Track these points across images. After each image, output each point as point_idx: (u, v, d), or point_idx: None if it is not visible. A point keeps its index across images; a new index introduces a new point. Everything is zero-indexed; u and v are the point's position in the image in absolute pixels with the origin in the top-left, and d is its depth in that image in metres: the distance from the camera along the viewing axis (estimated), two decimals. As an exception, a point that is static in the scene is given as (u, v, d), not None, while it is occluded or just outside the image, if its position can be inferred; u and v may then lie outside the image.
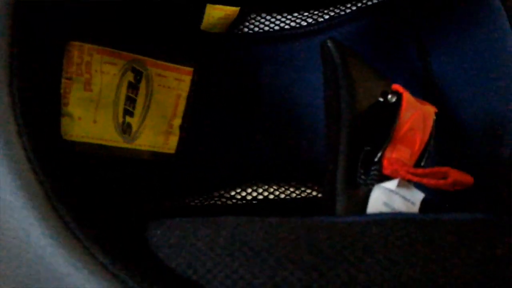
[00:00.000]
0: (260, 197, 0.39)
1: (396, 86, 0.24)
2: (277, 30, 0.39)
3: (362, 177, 0.24)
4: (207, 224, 0.19)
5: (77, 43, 0.28)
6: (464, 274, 0.16)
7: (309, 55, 0.38)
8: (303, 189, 0.40)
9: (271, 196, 0.39)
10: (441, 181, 0.21)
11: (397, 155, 0.24)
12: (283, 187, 0.40)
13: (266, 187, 0.39)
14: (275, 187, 0.39)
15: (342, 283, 0.16)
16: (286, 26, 0.39)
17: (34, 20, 0.24)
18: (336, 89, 0.26)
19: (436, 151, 0.32)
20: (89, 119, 0.29)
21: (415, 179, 0.22)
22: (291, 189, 0.40)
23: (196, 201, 0.36)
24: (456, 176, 0.21)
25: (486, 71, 0.31)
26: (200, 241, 0.18)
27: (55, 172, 0.20)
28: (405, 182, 0.24)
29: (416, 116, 0.24)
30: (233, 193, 0.38)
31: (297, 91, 0.38)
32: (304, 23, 0.39)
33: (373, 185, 0.24)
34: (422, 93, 0.35)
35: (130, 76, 0.30)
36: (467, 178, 0.21)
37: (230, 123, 0.37)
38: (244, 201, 0.38)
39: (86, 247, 0.17)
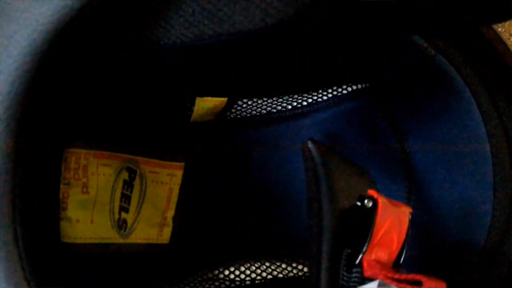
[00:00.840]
0: (253, 275, 0.40)
1: (371, 192, 0.26)
2: (264, 114, 0.41)
3: (345, 279, 0.26)
4: None
5: (73, 149, 0.30)
6: None
7: (294, 136, 0.40)
8: (294, 265, 0.41)
9: (264, 274, 0.40)
10: (416, 288, 0.23)
11: (376, 256, 0.25)
12: (275, 264, 0.41)
13: (259, 264, 0.41)
14: (267, 264, 0.41)
15: None
16: (273, 110, 0.41)
17: (34, 133, 0.26)
18: (317, 190, 0.27)
19: (416, 234, 0.33)
20: (87, 220, 0.30)
21: (393, 284, 0.24)
22: (283, 266, 0.41)
23: (191, 284, 0.37)
24: (429, 284, 0.22)
25: (459, 156, 0.33)
26: None
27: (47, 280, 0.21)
28: (386, 283, 0.25)
29: (392, 220, 0.26)
30: (226, 272, 0.39)
31: (286, 172, 0.40)
32: (289, 107, 0.41)
33: (355, 287, 0.25)
34: (400, 173, 0.37)
35: (125, 175, 0.32)
36: (440, 286, 0.23)
37: (222, 208, 0.38)
38: (238, 281, 0.39)
39: None
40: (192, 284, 0.37)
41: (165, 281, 0.36)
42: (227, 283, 0.38)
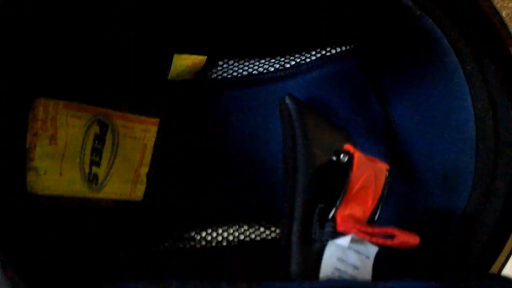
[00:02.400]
0: (230, 238, 0.39)
1: (348, 147, 0.25)
2: (244, 76, 0.40)
3: (317, 233, 0.25)
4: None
5: (42, 99, 0.28)
6: None
7: (275, 100, 0.39)
8: (272, 229, 0.40)
9: (242, 237, 0.40)
10: (389, 241, 0.22)
11: (350, 211, 0.25)
12: (253, 227, 0.40)
13: (237, 227, 0.40)
14: (245, 228, 0.40)
15: None
16: (254, 72, 0.40)
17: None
18: (293, 147, 0.27)
19: (393, 198, 0.33)
20: (55, 172, 0.29)
21: (366, 237, 0.23)
22: (261, 229, 0.40)
23: (166, 244, 0.36)
24: (402, 238, 0.22)
25: (441, 122, 0.32)
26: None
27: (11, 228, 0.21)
28: (359, 237, 0.25)
29: (368, 175, 0.25)
30: (203, 234, 0.38)
31: (265, 135, 0.39)
32: (271, 69, 0.40)
33: (327, 241, 0.25)
34: (382, 138, 0.36)
35: (95, 128, 0.31)
36: (413, 239, 0.22)
37: (197, 169, 0.38)
38: (214, 243, 0.38)
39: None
40: (166, 244, 0.36)
41: (139, 239, 0.35)
42: (203, 243, 0.37)
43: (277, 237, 0.40)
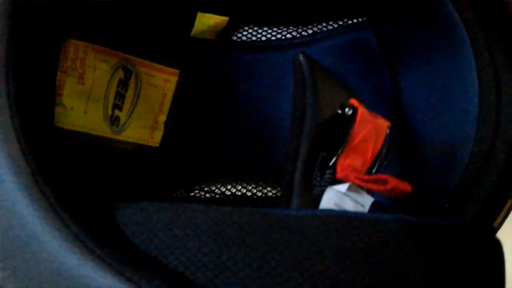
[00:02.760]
0: (238, 193, 0.41)
1: (353, 101, 0.27)
2: (263, 41, 0.42)
3: (318, 179, 0.27)
4: (169, 208, 0.21)
5: (73, 40, 0.31)
6: (380, 270, 0.19)
7: (289, 65, 0.41)
8: (279, 188, 0.42)
9: (249, 194, 0.42)
10: (381, 187, 0.24)
11: (350, 162, 0.27)
12: (261, 186, 0.43)
13: (245, 184, 0.42)
14: (253, 185, 0.42)
15: (276, 262, 0.19)
16: (272, 37, 0.42)
17: (33, 18, 0.27)
18: (302, 99, 0.29)
19: (397, 167, 0.35)
20: (81, 110, 0.32)
21: (362, 184, 0.25)
22: (268, 188, 0.43)
23: (177, 192, 0.39)
24: (394, 184, 0.24)
25: (446, 94, 0.33)
26: (161, 222, 0.21)
27: (41, 153, 0.23)
28: (356, 187, 0.27)
29: (370, 128, 0.27)
30: (213, 188, 0.41)
31: (275, 98, 0.41)
32: (289, 36, 0.42)
33: (326, 187, 0.26)
34: (390, 108, 0.38)
35: (120, 74, 0.33)
36: (405, 186, 0.24)
37: (211, 123, 0.40)
38: (222, 196, 0.40)
39: (61, 217, 0.20)
40: (178, 192, 0.38)
41: (151, 187, 0.37)
42: (212, 195, 0.39)
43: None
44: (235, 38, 0.41)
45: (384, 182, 0.24)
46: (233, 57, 0.41)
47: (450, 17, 0.32)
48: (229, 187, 0.42)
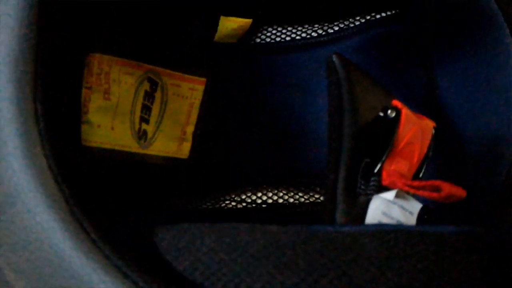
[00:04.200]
0: (270, 201, 0.40)
1: (396, 102, 0.25)
2: (288, 41, 0.40)
3: (362, 187, 0.25)
4: (212, 230, 0.20)
5: (97, 55, 0.30)
6: (445, 284, 0.17)
7: (318, 65, 0.40)
8: (311, 194, 0.41)
9: (280, 200, 0.40)
10: (435, 194, 0.22)
11: (396, 167, 0.25)
12: (292, 192, 0.41)
13: (276, 191, 0.41)
14: (284, 192, 0.41)
15: (334, 286, 0.17)
16: (297, 37, 0.40)
17: (57, 34, 0.26)
18: (339, 103, 0.27)
19: (437, 167, 0.33)
20: (107, 126, 0.31)
21: (412, 191, 0.24)
22: (300, 194, 0.41)
23: (208, 203, 0.38)
24: (449, 190, 0.22)
25: (489, 90, 0.32)
26: (205, 247, 0.19)
27: (73, 178, 0.22)
28: (403, 193, 0.25)
29: (415, 131, 0.25)
30: (244, 196, 0.40)
31: (308, 101, 0.40)
32: (314, 34, 0.40)
33: (372, 195, 0.25)
34: (424, 106, 0.36)
35: (146, 86, 0.32)
36: (460, 192, 0.22)
37: (241, 130, 0.38)
38: (254, 205, 0.39)
39: (101, 249, 0.19)
40: (208, 204, 0.37)
41: (182, 197, 0.36)
42: (244, 204, 0.38)
43: (317, 201, 0.40)
44: (258, 40, 0.40)
45: (438, 188, 0.22)
46: (257, 60, 0.40)
47: (488, 6, 0.30)
48: (259, 194, 0.40)
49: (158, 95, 0.33)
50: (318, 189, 0.41)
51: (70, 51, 0.28)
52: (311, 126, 0.40)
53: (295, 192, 0.41)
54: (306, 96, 0.40)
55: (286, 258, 0.18)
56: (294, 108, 0.40)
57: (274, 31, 0.40)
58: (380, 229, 0.19)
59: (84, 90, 0.30)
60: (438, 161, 0.34)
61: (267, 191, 0.41)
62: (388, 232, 0.19)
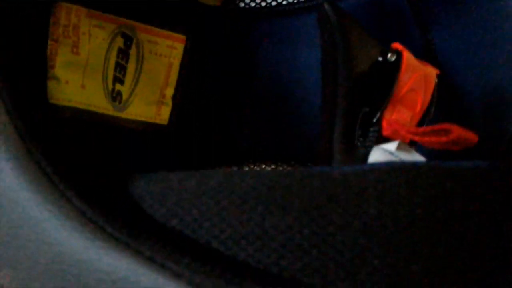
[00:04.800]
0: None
1: (396, 45, 0.23)
2: (273, 6, 0.38)
3: (360, 138, 0.23)
4: (194, 174, 0.17)
5: (64, 4, 0.27)
6: (464, 221, 0.15)
7: (306, 31, 0.37)
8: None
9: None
10: (444, 138, 0.20)
11: (397, 116, 0.23)
12: (281, 167, 0.39)
13: (263, 166, 0.38)
14: (272, 166, 0.38)
15: (335, 228, 0.15)
16: (284, 1, 0.38)
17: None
18: (333, 51, 0.25)
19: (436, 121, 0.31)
20: (77, 83, 0.28)
21: (416, 138, 0.21)
22: (289, 169, 0.38)
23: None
24: (459, 132, 0.20)
25: (490, 44, 0.30)
26: (186, 191, 0.17)
27: (34, 121, 0.19)
28: (406, 145, 0.23)
29: (417, 77, 0.23)
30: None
31: (294, 68, 0.37)
32: (302, -3, 0.38)
33: (371, 147, 0.22)
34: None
35: (119, 42, 0.29)
36: (471, 135, 0.20)
37: (224, 97, 0.36)
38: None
39: (61, 192, 0.16)
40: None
41: (159, 170, 0.33)
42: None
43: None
44: (242, 4, 0.37)
45: (447, 132, 0.20)
46: (242, 25, 0.37)
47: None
48: (246, 169, 0.38)
49: (133, 52, 0.30)
50: (309, 164, 0.38)
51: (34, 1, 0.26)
52: (300, 95, 0.37)
53: (285, 166, 0.38)
54: (294, 66, 0.37)
55: (279, 198, 0.16)
56: (282, 79, 0.37)
57: (259, -6, 0.37)
58: (386, 164, 0.17)
59: (50, 43, 0.27)
60: (440, 118, 0.32)
61: (254, 165, 0.38)
62: (395, 168, 0.16)
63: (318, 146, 0.24)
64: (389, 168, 0.16)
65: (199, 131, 0.34)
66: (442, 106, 0.32)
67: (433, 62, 0.33)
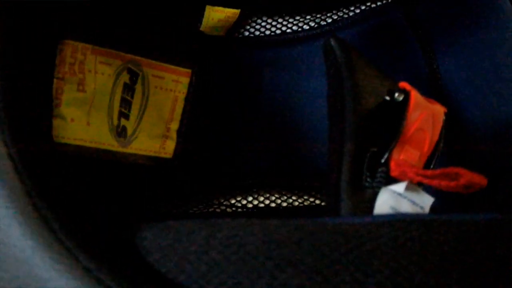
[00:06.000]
0: (261, 205, 0.37)
1: (404, 84, 0.23)
2: (278, 34, 0.38)
3: (368, 179, 0.23)
4: (202, 226, 0.17)
5: (70, 41, 0.27)
6: (478, 276, 0.15)
7: (311, 59, 0.37)
8: (306, 197, 0.38)
9: (273, 205, 0.38)
10: (453, 183, 0.20)
11: (405, 156, 0.23)
12: (286, 195, 0.38)
13: (268, 195, 0.38)
14: (277, 195, 0.38)
15: (347, 285, 0.15)
16: (288, 30, 0.38)
17: (25, 18, 0.23)
18: (339, 88, 0.25)
19: (443, 155, 0.30)
20: (83, 121, 0.28)
21: (425, 181, 0.21)
22: (294, 197, 0.38)
23: (194, 208, 0.34)
24: (469, 177, 0.19)
25: (495, 71, 0.30)
26: (194, 244, 0.17)
27: (39, 172, 0.19)
28: (414, 186, 0.22)
29: (425, 116, 0.23)
30: (233, 201, 0.37)
31: (298, 97, 0.37)
32: (306, 27, 0.38)
33: (379, 188, 0.22)
34: (427, 95, 0.34)
35: (125, 77, 0.29)
36: (481, 179, 0.20)
37: (229, 128, 0.36)
38: (245, 209, 0.36)
39: (68, 250, 0.16)
40: (195, 208, 0.34)
41: (166, 201, 0.33)
42: (233, 209, 0.35)
43: (321, 203, 0.37)
44: (247, 33, 0.37)
45: (456, 175, 0.20)
46: (246, 54, 0.37)
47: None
48: (250, 199, 0.37)
49: (138, 87, 0.30)
50: (314, 192, 0.38)
51: (39, 37, 0.25)
52: (303, 123, 0.37)
53: (289, 195, 0.38)
54: (297, 94, 0.37)
55: (289, 254, 0.16)
56: (285, 106, 0.37)
57: (263, 24, 0.37)
58: (399, 218, 0.16)
59: (55, 81, 0.27)
60: (446, 151, 0.31)
61: (259, 194, 0.38)
62: (409, 222, 0.16)
63: (325, 185, 0.24)
64: (402, 224, 0.16)
65: (204, 163, 0.34)
66: (450, 136, 0.32)
67: (439, 91, 0.34)
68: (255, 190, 0.38)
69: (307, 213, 0.37)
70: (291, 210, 0.37)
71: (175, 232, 0.17)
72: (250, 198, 0.37)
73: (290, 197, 0.38)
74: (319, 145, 0.36)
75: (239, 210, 0.35)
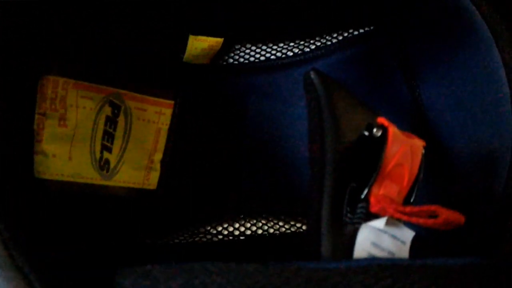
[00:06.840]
0: (248, 232, 0.37)
1: (381, 120, 0.23)
2: (262, 61, 0.38)
3: (349, 215, 0.23)
4: (179, 272, 0.17)
5: (51, 77, 0.27)
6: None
7: (294, 85, 0.37)
8: (292, 223, 0.38)
9: (260, 231, 0.38)
10: (431, 220, 0.20)
11: (385, 191, 0.23)
12: (272, 221, 0.38)
13: (254, 221, 0.38)
14: (263, 222, 0.38)
15: None
16: (272, 57, 0.38)
17: (5, 54, 0.23)
18: (319, 122, 0.25)
19: (426, 185, 0.31)
20: (64, 156, 0.28)
21: (404, 217, 0.21)
22: (280, 223, 0.38)
23: (180, 237, 0.34)
24: (446, 215, 0.20)
25: (478, 100, 0.30)
26: (170, 292, 0.16)
27: (18, 215, 0.19)
28: (394, 220, 0.22)
29: (404, 150, 0.23)
30: (220, 228, 0.36)
31: (283, 123, 0.37)
32: (290, 53, 0.38)
33: (360, 224, 0.22)
34: (410, 123, 0.34)
35: (107, 110, 0.29)
36: (458, 217, 0.20)
37: (214, 157, 0.36)
38: (231, 237, 0.36)
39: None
40: (181, 237, 0.34)
41: (151, 233, 0.33)
42: (220, 237, 0.35)
43: (297, 231, 0.37)
44: (231, 60, 0.38)
45: (434, 214, 0.20)
46: (230, 82, 0.37)
47: (470, 16, 0.29)
48: (236, 225, 0.37)
49: (121, 120, 0.30)
50: (300, 218, 0.38)
51: (20, 73, 0.26)
52: (289, 149, 0.37)
53: (275, 221, 0.38)
54: (282, 120, 0.37)
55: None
56: (270, 134, 0.37)
57: (247, 51, 0.38)
58: (373, 264, 0.16)
59: (37, 117, 0.27)
60: (427, 180, 0.32)
61: (245, 221, 0.38)
62: (384, 268, 0.16)
63: (307, 222, 0.24)
64: (376, 269, 0.16)
65: (189, 192, 0.34)
66: (432, 164, 0.32)
67: (422, 118, 0.34)
68: (241, 216, 0.38)
69: (293, 239, 0.37)
70: (278, 237, 0.37)
71: (153, 278, 0.17)
72: (236, 225, 0.37)
73: (277, 223, 0.38)
74: (304, 171, 0.36)
75: (225, 239, 0.35)
